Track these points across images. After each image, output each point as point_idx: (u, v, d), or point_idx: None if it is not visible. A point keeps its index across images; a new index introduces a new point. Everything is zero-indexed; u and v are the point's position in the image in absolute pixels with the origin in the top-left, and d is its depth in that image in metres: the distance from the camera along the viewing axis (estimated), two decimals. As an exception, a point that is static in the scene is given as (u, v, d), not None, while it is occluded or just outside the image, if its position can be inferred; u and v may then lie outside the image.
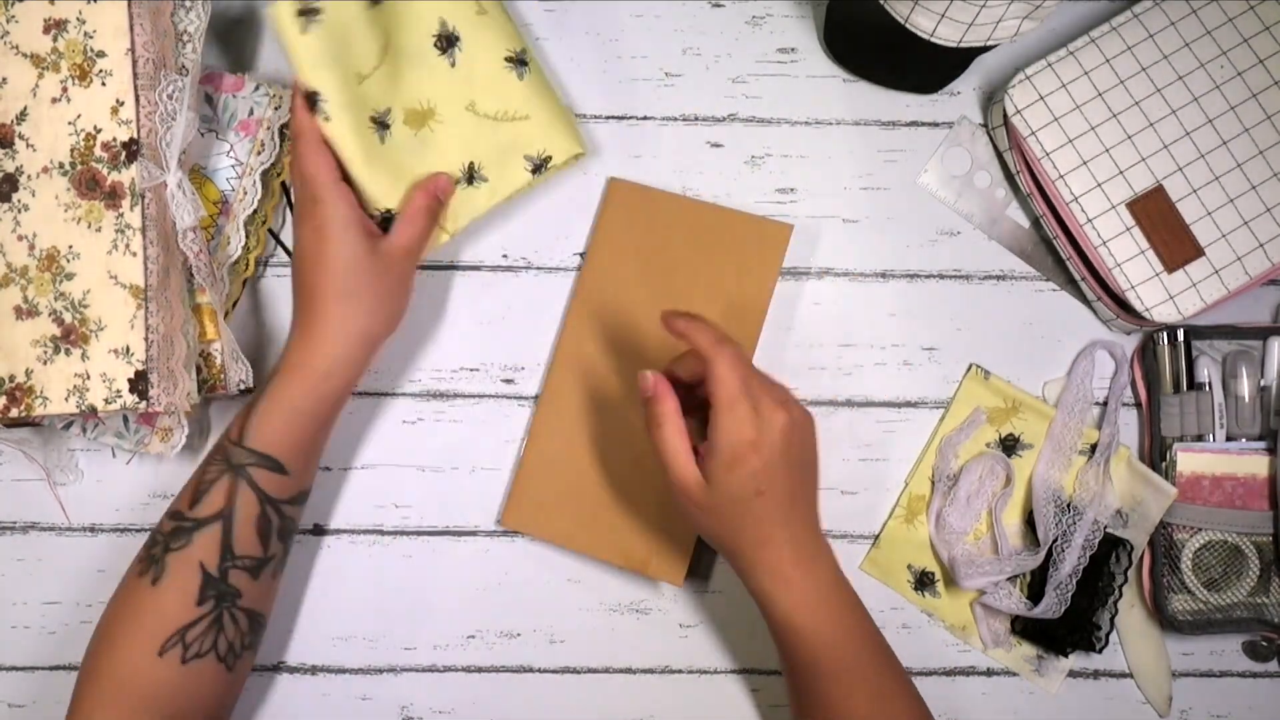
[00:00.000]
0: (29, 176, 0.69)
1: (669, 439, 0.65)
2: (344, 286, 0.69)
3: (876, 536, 0.80)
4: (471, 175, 0.76)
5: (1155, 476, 0.77)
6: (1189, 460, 0.77)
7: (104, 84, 0.69)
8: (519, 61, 0.75)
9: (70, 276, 0.69)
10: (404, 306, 0.73)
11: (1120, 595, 0.76)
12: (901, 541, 0.79)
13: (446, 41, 0.74)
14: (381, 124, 0.74)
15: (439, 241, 0.76)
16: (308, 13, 0.70)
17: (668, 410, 0.66)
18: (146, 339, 0.69)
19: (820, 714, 0.68)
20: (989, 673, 0.79)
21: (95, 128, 0.69)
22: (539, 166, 0.76)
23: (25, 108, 0.69)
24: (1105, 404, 0.79)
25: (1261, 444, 0.78)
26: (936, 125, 0.82)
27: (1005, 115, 0.77)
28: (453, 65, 0.75)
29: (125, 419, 0.73)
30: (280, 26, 0.71)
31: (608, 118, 0.81)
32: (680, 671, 0.79)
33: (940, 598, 0.78)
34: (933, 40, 0.70)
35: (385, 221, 0.74)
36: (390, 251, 0.71)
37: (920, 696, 0.69)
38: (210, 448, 0.78)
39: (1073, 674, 0.79)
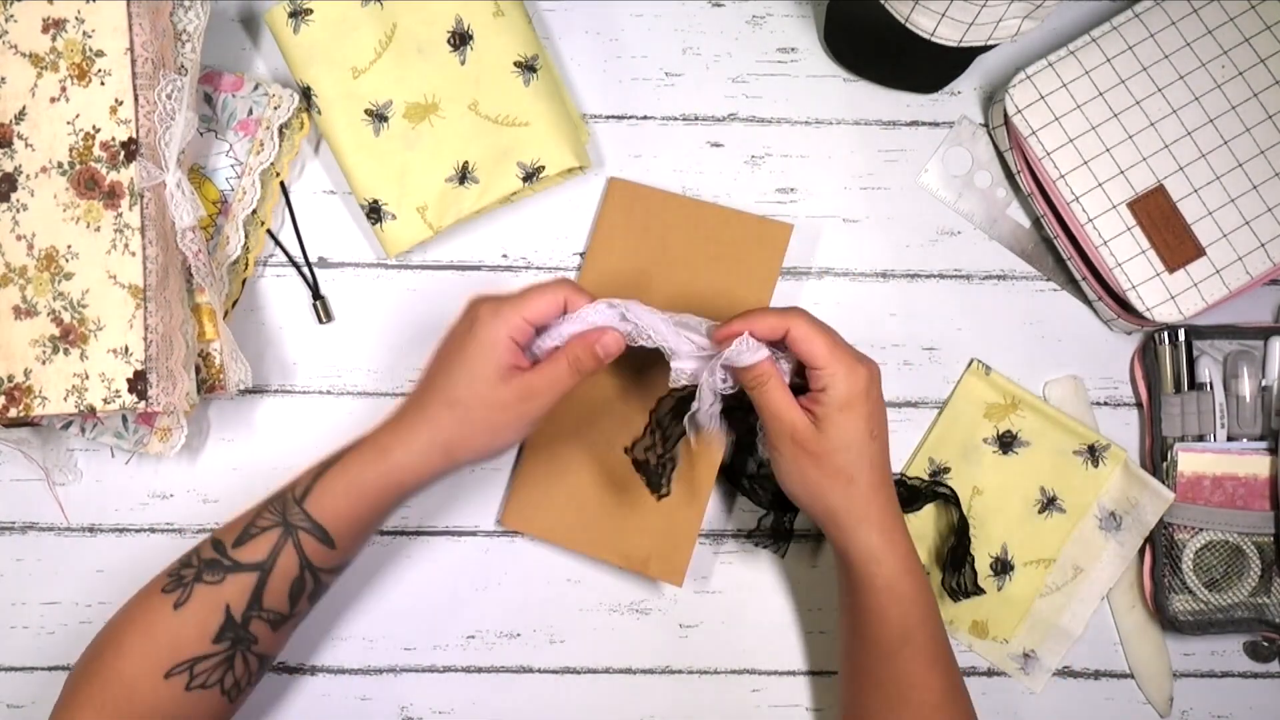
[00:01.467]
0: (28, 176, 0.69)
1: (775, 391, 0.66)
2: (454, 394, 0.66)
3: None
4: (464, 175, 0.76)
5: (1152, 481, 0.77)
6: (1190, 460, 0.77)
7: (103, 83, 0.69)
8: (528, 68, 0.75)
9: (69, 276, 0.69)
10: (503, 445, 0.68)
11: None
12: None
13: (459, 39, 0.75)
14: (379, 116, 0.76)
15: (423, 237, 0.76)
16: (299, 14, 0.75)
17: (769, 367, 0.67)
18: (145, 339, 0.68)
19: (900, 686, 0.67)
20: (989, 673, 0.79)
21: (94, 127, 0.69)
22: (530, 175, 0.76)
23: (24, 107, 0.69)
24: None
25: (1263, 444, 0.78)
26: (937, 125, 0.82)
27: (1006, 115, 0.77)
28: (462, 63, 0.75)
29: (124, 419, 0.73)
30: (274, 30, 0.76)
31: (608, 118, 0.81)
32: (680, 671, 0.79)
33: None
34: (933, 40, 0.70)
35: (373, 210, 0.75)
36: (520, 388, 0.66)
37: None
38: (209, 446, 0.78)
39: (1073, 674, 0.79)
